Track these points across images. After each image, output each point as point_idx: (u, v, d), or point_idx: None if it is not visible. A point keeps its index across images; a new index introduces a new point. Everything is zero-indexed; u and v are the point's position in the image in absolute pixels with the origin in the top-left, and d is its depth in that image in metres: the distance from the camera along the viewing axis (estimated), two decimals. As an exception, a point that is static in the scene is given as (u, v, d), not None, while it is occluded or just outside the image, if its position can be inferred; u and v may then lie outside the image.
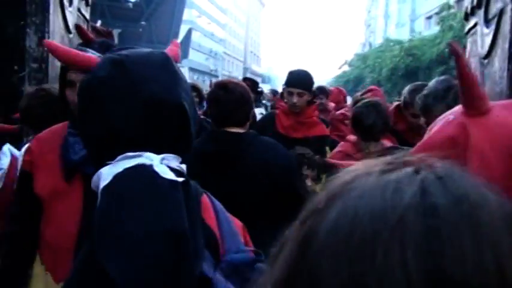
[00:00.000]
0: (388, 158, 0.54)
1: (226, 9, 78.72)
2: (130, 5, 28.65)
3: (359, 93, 4.81)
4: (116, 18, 30.00)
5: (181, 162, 1.21)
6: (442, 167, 0.50)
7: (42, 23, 3.27)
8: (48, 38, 3.28)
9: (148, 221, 1.02)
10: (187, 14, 52.11)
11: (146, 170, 1.08)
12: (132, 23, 32.63)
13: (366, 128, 3.08)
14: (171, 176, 1.10)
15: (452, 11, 26.46)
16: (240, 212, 2.45)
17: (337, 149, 3.41)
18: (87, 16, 4.66)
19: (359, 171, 0.52)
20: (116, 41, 31.58)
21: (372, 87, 5.26)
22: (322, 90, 5.85)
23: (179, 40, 43.67)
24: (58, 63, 3.49)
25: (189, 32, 48.96)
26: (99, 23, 7.42)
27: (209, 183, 2.48)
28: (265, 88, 11.18)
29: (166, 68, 1.20)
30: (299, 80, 3.74)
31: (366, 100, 3.30)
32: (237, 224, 1.33)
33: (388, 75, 28.94)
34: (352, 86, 37.04)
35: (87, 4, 4.55)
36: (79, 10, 4.26)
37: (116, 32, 32.73)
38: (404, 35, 43.12)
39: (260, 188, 2.46)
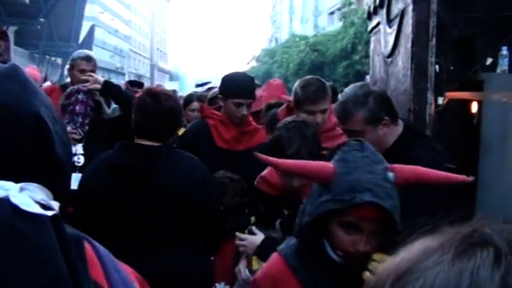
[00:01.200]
0: (463, 230, 0.46)
1: (130, 5, 76.82)
2: (27, 0, 27.11)
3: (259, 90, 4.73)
4: (11, 15, 28.32)
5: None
6: None
7: None
8: None
9: (10, 277, 0.73)
10: (89, 10, 50.25)
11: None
12: (29, 19, 30.93)
13: (287, 158, 2.43)
14: (36, 209, 0.81)
15: (353, 7, 27.46)
16: (153, 228, 2.35)
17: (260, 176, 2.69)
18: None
19: (427, 250, 0.45)
20: (13, 38, 29.71)
21: (271, 81, 5.19)
22: None
23: (81, 37, 42.06)
24: None
25: (92, 28, 47.23)
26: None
27: (123, 197, 2.37)
28: (173, 86, 10.85)
29: (15, 78, 0.91)
30: (249, 89, 3.34)
31: (289, 119, 2.56)
32: (128, 271, 1.01)
33: (296, 70, 29.52)
34: (261, 82, 37.35)
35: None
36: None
37: (12, 29, 30.92)
38: (308, 31, 44.21)
39: (174, 203, 2.36)
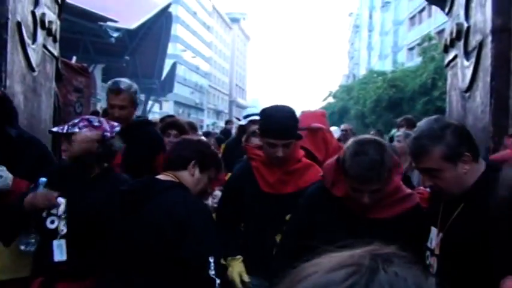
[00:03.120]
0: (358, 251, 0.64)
1: (210, 43, 79.34)
2: (113, 40, 28.60)
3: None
4: (99, 54, 29.92)
5: None
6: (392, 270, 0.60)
7: (-2, 62, 3.08)
8: (5, 78, 3.09)
9: None
10: (172, 48, 52.35)
11: None
12: (116, 58, 32.57)
13: None
14: None
15: (433, 42, 26.81)
16: (131, 258, 2.33)
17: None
18: (56, 52, 4.48)
19: (319, 266, 0.63)
20: (100, 76, 31.33)
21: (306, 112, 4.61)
22: None
23: (164, 74, 43.76)
24: (15, 104, 3.29)
25: (174, 66, 49.09)
26: (74, 60, 7.28)
27: (122, 220, 2.42)
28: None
29: None
30: (285, 128, 2.85)
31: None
32: None
33: (373, 107, 29.07)
34: (337, 118, 37.18)
35: (54, 40, 4.38)
36: (45, 47, 4.08)
37: (99, 67, 32.68)
38: (387, 67, 43.61)
39: (150, 237, 2.30)
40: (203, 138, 5.97)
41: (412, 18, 44.30)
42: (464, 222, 2.04)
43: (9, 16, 3.18)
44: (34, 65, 3.69)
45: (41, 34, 3.91)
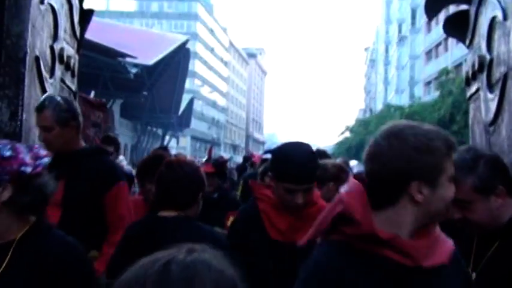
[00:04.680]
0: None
1: (228, 78, 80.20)
2: (132, 75, 29.04)
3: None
4: (118, 89, 30.40)
5: None
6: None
7: (16, 96, 3.06)
8: (22, 111, 3.07)
9: None
10: (190, 83, 53.01)
11: None
12: (134, 93, 33.05)
13: None
14: None
15: (450, 76, 26.73)
16: None
17: None
18: (74, 87, 4.49)
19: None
20: (118, 111, 31.78)
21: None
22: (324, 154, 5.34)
23: (181, 109, 44.14)
24: (32, 139, 3.27)
25: (191, 101, 49.56)
26: (92, 94, 7.35)
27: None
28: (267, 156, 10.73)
29: None
30: (307, 172, 2.43)
31: None
32: None
33: (390, 141, 28.92)
34: (355, 152, 36.98)
35: (73, 75, 4.39)
36: (63, 81, 4.08)
37: (118, 102, 33.11)
38: (404, 101, 43.54)
39: None
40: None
41: (428, 52, 44.41)
42: (500, 261, 1.89)
43: (28, 50, 3.18)
44: (51, 99, 3.67)
45: (59, 69, 3.92)
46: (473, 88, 3.97)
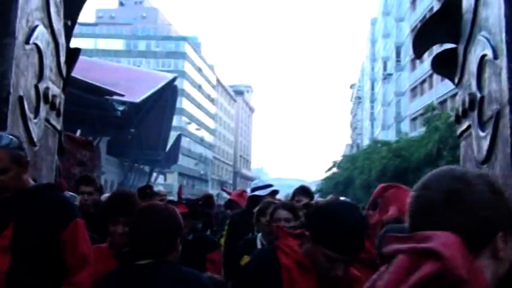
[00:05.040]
0: None
1: (215, 115, 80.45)
2: (119, 113, 29.00)
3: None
4: (105, 127, 30.28)
5: None
6: None
7: (-2, 136, 2.96)
8: (4, 152, 2.97)
9: None
10: (177, 121, 53.07)
11: None
12: (121, 130, 32.94)
13: None
14: None
15: (436, 112, 27.01)
16: None
17: None
18: (59, 127, 4.40)
19: None
20: (105, 148, 31.56)
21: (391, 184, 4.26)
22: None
23: (168, 146, 44.03)
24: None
25: (179, 138, 49.52)
26: (78, 133, 7.25)
27: None
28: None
29: None
30: (358, 242, 2.12)
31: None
32: None
33: (378, 177, 28.94)
34: (343, 188, 36.97)
35: (58, 114, 4.31)
36: (48, 121, 3.99)
37: (105, 140, 32.93)
38: (391, 136, 43.87)
39: None
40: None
41: (413, 89, 45.02)
42: None
43: (11, 90, 3.11)
44: (35, 139, 3.58)
45: (43, 109, 3.84)
46: (464, 125, 3.95)
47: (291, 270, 2.15)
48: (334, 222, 2.06)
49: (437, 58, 4.61)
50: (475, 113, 3.65)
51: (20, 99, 3.29)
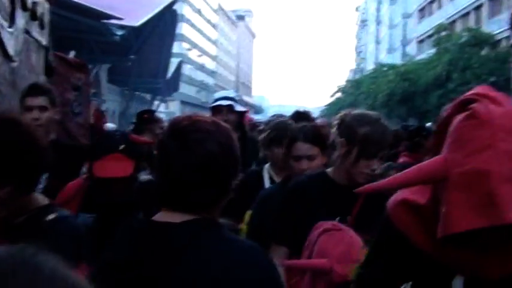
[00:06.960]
0: None
1: (216, 41, 78.77)
2: (118, 38, 27.98)
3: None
4: (105, 53, 29.37)
5: None
6: None
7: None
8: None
9: None
10: (178, 47, 51.84)
11: None
12: (121, 57, 32.05)
13: None
14: None
15: (444, 33, 26.07)
16: None
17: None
18: (44, 41, 3.82)
19: None
20: (105, 76, 30.98)
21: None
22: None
23: (169, 73, 43.20)
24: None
25: (180, 64, 48.50)
26: (72, 54, 6.63)
27: None
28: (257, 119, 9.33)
29: None
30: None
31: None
32: None
33: (385, 101, 28.39)
34: (348, 113, 36.56)
35: (42, 26, 3.72)
36: (28, 33, 3.41)
37: (105, 67, 32.11)
38: (396, 60, 42.87)
39: None
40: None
41: (421, 10, 43.49)
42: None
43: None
44: (11, 52, 3.02)
45: (21, 16, 3.25)
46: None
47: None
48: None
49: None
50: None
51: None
